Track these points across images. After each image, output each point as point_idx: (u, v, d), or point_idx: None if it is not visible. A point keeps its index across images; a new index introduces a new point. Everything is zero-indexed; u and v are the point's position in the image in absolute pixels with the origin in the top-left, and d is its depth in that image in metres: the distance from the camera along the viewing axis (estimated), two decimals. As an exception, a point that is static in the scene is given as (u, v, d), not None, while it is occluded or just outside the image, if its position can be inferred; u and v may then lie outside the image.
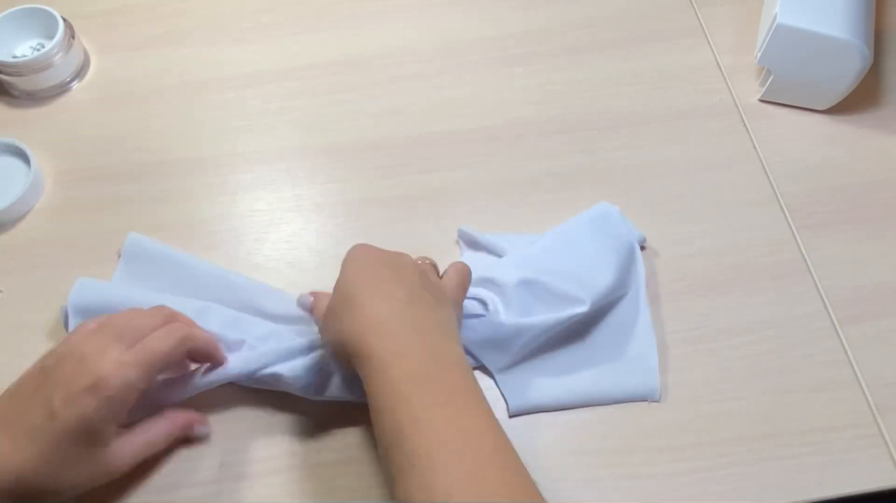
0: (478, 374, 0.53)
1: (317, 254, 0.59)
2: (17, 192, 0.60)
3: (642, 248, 0.57)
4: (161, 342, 0.45)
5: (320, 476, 0.49)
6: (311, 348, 0.50)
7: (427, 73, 0.69)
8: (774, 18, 0.60)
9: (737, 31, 0.71)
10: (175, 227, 0.60)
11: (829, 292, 0.55)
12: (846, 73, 0.61)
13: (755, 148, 0.63)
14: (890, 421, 0.50)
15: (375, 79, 0.69)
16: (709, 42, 0.70)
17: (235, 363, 0.49)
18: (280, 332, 0.52)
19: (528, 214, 0.60)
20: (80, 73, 0.70)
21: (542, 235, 0.57)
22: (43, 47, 0.67)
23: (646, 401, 0.51)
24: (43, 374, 0.43)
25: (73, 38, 0.68)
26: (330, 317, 0.45)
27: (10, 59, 0.66)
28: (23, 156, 0.62)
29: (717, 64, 0.69)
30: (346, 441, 0.50)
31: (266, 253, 0.59)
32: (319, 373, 0.49)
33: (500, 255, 0.56)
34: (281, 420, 0.51)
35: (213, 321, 0.51)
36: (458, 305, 0.48)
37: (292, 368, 0.48)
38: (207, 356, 0.48)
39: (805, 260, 0.57)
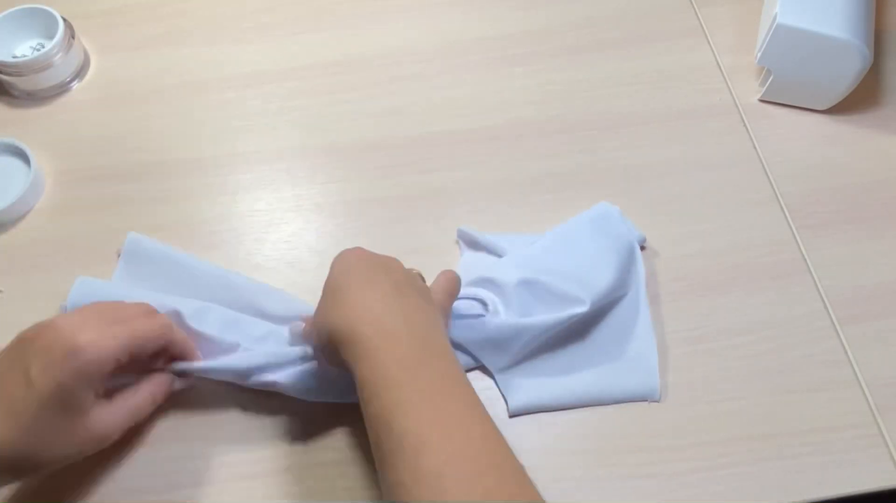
0: (478, 374, 0.53)
1: (317, 254, 0.59)
2: (17, 192, 0.60)
3: (642, 248, 0.57)
4: (144, 324, 0.45)
5: (320, 476, 0.49)
6: (305, 353, 0.50)
7: (427, 73, 0.69)
8: (774, 18, 0.60)
9: (737, 31, 0.71)
10: (175, 226, 0.60)
11: (829, 292, 0.55)
12: (846, 73, 0.61)
13: (755, 148, 0.63)
14: (890, 421, 0.50)
15: (375, 79, 0.69)
16: (709, 42, 0.70)
17: (230, 359, 0.49)
18: (279, 332, 0.52)
19: (528, 214, 0.60)
20: (80, 73, 0.70)
21: (542, 235, 0.57)
22: (43, 47, 0.67)
23: (646, 401, 0.51)
24: (21, 346, 0.43)
25: (73, 38, 0.68)
26: (319, 315, 0.45)
27: (10, 59, 0.66)
28: (23, 156, 0.62)
29: (717, 64, 0.69)
30: (346, 441, 0.50)
31: (266, 253, 0.59)
32: (314, 377, 0.49)
33: (499, 255, 0.56)
34: (280, 420, 0.51)
35: (213, 321, 0.51)
36: (445, 312, 0.48)
37: (288, 375, 0.48)
38: (183, 355, 0.49)
39: (805, 260, 0.57)
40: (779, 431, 0.50)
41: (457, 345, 0.52)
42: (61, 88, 0.69)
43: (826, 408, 0.51)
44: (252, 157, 0.64)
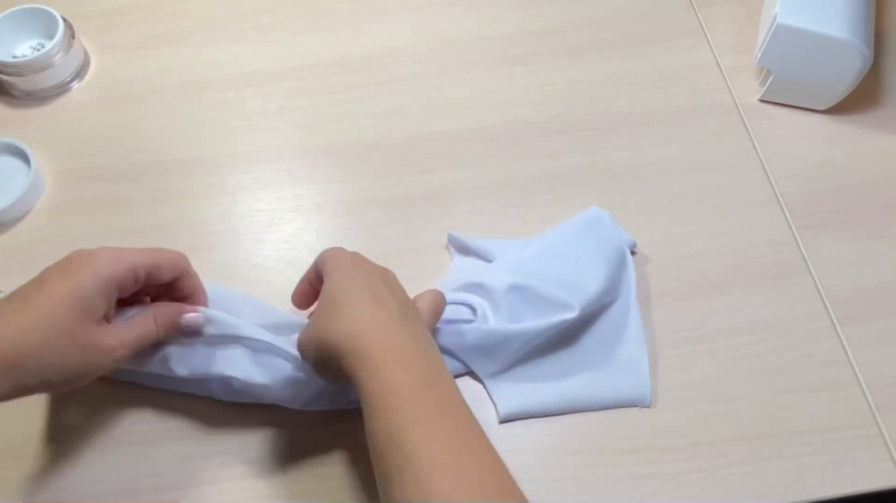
0: (467, 380, 0.53)
1: (317, 254, 0.58)
2: (17, 192, 0.60)
3: (633, 252, 0.57)
4: (161, 249, 0.46)
5: (320, 476, 0.49)
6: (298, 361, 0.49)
7: (427, 73, 0.69)
8: (774, 18, 0.60)
9: (737, 31, 0.71)
10: (175, 227, 0.60)
11: (829, 292, 0.55)
12: (846, 73, 0.61)
13: (755, 148, 0.63)
14: (890, 421, 0.50)
15: (375, 79, 0.69)
16: (709, 42, 0.70)
17: (237, 320, 0.48)
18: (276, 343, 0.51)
19: (528, 214, 0.60)
20: (80, 73, 0.70)
21: (533, 240, 0.57)
22: (43, 47, 0.67)
23: (636, 406, 0.51)
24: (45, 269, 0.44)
25: (73, 38, 0.68)
26: (318, 324, 0.44)
27: (10, 59, 0.66)
28: (23, 156, 0.62)
29: (717, 64, 0.69)
30: (346, 441, 0.50)
31: (266, 253, 0.59)
32: (305, 384, 0.48)
33: (489, 260, 0.56)
34: (280, 420, 0.51)
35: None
36: (430, 331, 0.48)
37: (277, 380, 0.47)
38: (193, 291, 0.48)
39: (805, 260, 0.57)
40: (779, 431, 0.50)
41: (446, 351, 0.52)
42: (61, 88, 0.69)
43: (826, 408, 0.51)
44: (252, 157, 0.64)
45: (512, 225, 0.59)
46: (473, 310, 0.52)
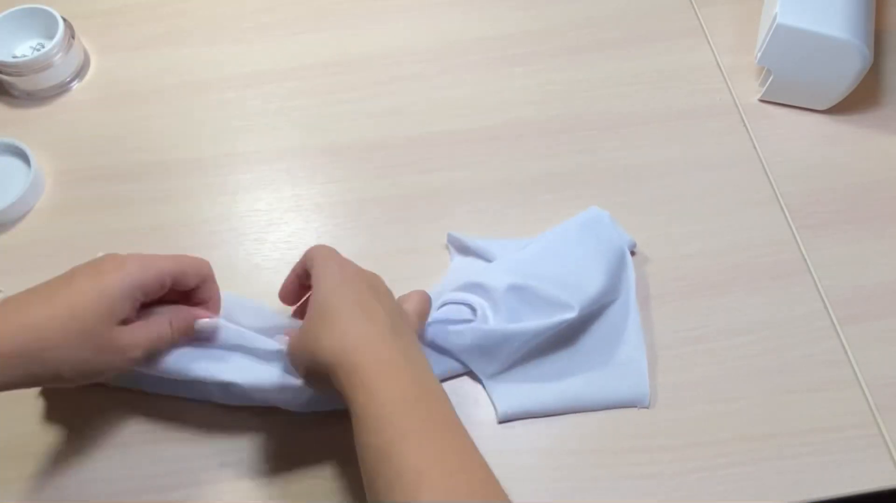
0: (466, 380, 0.53)
1: (317, 254, 0.59)
2: (17, 192, 0.60)
3: (633, 253, 0.57)
4: (187, 256, 0.47)
5: (319, 476, 0.49)
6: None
7: (427, 73, 0.69)
8: (774, 18, 0.60)
9: (737, 31, 0.71)
10: (175, 227, 0.60)
11: (829, 292, 0.55)
12: (846, 73, 0.61)
13: (755, 148, 0.63)
14: (890, 421, 0.50)
15: (375, 79, 0.69)
16: (709, 42, 0.70)
17: (244, 332, 0.48)
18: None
19: (528, 214, 0.60)
20: (80, 73, 0.70)
21: (533, 240, 0.57)
22: (43, 47, 0.67)
23: (635, 407, 0.51)
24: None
25: (73, 38, 0.68)
26: (308, 335, 0.44)
27: (10, 59, 0.66)
28: (23, 156, 0.62)
29: (717, 64, 0.69)
30: (345, 442, 0.50)
31: (266, 253, 0.59)
32: (305, 389, 0.48)
33: (489, 260, 0.56)
34: (280, 422, 0.51)
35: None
36: (418, 334, 0.48)
37: (277, 384, 0.47)
38: (210, 297, 0.49)
39: (805, 260, 0.57)
40: (778, 431, 0.50)
41: (445, 351, 0.52)
42: (61, 88, 0.69)
43: (826, 408, 0.51)
44: (252, 157, 0.64)
45: (512, 225, 0.59)
46: (473, 309, 0.52)
